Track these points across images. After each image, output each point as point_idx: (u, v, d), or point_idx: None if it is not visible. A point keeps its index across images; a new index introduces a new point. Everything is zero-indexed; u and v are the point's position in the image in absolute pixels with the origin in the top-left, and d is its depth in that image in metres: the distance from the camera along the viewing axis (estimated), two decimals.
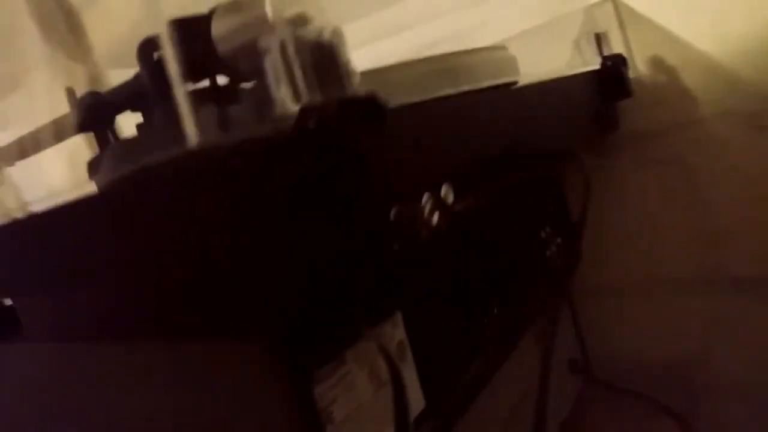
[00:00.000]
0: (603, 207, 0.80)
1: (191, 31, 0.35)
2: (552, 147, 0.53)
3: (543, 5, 0.80)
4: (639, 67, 0.73)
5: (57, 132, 0.44)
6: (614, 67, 0.64)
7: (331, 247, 0.25)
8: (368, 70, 0.53)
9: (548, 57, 0.77)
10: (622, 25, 0.74)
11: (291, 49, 0.23)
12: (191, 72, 0.34)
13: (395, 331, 0.40)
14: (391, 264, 0.30)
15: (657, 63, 0.72)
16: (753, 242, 0.71)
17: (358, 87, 0.26)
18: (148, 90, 0.37)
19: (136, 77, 0.38)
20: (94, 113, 0.39)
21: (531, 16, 0.80)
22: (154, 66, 0.36)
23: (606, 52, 0.66)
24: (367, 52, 0.98)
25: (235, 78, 0.31)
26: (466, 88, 0.46)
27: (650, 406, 0.76)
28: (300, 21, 0.30)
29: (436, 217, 0.28)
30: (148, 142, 0.35)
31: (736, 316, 0.74)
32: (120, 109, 0.40)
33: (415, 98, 0.48)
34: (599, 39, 0.65)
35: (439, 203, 0.31)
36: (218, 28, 0.32)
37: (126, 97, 0.39)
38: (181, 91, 0.33)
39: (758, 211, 0.70)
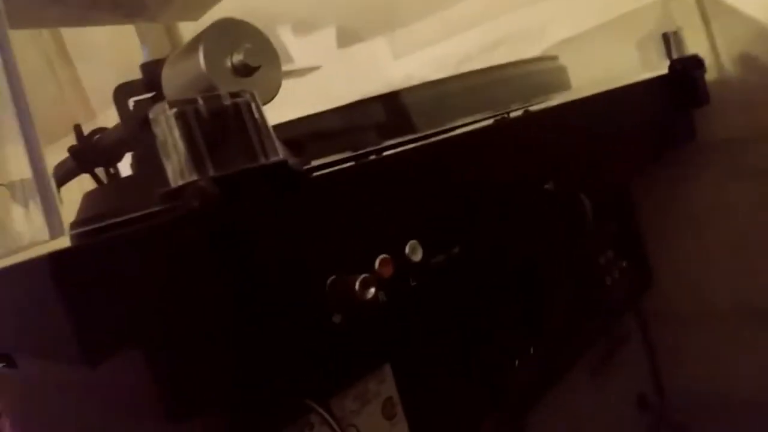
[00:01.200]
0: (684, 224, 0.71)
1: (155, 76, 0.34)
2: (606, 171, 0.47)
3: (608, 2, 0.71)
4: (726, 66, 0.63)
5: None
6: (685, 72, 0.56)
7: (252, 328, 0.23)
8: (390, 92, 0.50)
9: (614, 59, 0.68)
10: (705, 19, 0.65)
11: (173, 123, 0.21)
12: None
13: (381, 387, 0.37)
14: (337, 334, 0.27)
15: (746, 62, 0.62)
16: None
17: (275, 152, 0.23)
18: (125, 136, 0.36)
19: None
20: (86, 156, 0.40)
21: (603, 12, 0.73)
22: (128, 112, 0.35)
23: (677, 54, 0.57)
24: (427, 53, 0.94)
25: None
26: (488, 114, 0.42)
27: None
28: (238, 68, 0.28)
29: (371, 292, 0.25)
30: (115, 190, 0.34)
31: None
32: (110, 152, 0.40)
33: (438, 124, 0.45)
34: (668, 39, 0.57)
35: (386, 270, 0.28)
36: (166, 76, 0.31)
37: (114, 141, 0.39)
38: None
39: None
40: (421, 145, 0.31)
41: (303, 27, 0.62)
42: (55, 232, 0.21)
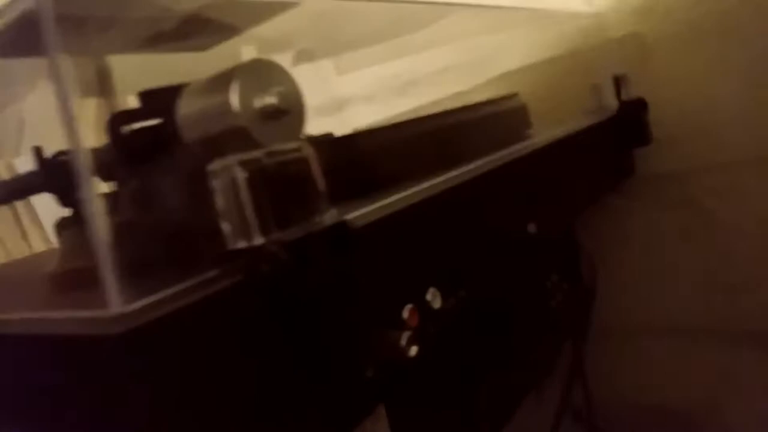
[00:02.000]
0: (617, 247, 0.76)
1: (159, 107, 0.32)
2: (567, 207, 0.50)
3: (562, 37, 0.75)
4: (661, 106, 0.69)
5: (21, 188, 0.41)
6: (633, 113, 0.60)
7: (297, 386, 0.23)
8: (346, 136, 0.51)
9: (562, 95, 0.72)
10: (645, 62, 0.70)
11: (243, 184, 0.20)
12: (155, 150, 0.31)
13: (376, 426, 0.37)
14: (366, 390, 0.27)
15: (680, 104, 0.68)
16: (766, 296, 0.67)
17: (326, 209, 0.23)
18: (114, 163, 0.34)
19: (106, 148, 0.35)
20: (58, 177, 0.37)
21: (548, 48, 0.76)
22: (121, 141, 0.33)
23: (625, 95, 0.62)
24: (372, 72, 0.95)
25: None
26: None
27: None
28: (267, 110, 0.27)
29: (414, 350, 0.25)
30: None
31: (749, 370, 0.70)
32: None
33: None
34: (618, 82, 0.61)
35: (420, 321, 0.28)
36: (184, 109, 0.29)
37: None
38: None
39: None
40: (438, 194, 0.32)
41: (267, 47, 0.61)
42: None
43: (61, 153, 0.40)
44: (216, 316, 0.20)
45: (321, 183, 0.23)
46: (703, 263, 0.71)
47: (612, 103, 0.63)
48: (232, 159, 0.21)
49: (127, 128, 0.33)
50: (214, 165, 0.21)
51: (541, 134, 0.52)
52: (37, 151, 0.39)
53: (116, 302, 0.19)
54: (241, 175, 0.20)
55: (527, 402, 0.67)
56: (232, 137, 0.27)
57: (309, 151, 0.23)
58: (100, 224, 0.20)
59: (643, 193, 0.72)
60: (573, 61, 0.73)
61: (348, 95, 0.96)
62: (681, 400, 0.76)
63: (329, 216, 0.23)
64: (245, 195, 0.20)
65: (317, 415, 0.24)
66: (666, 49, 0.68)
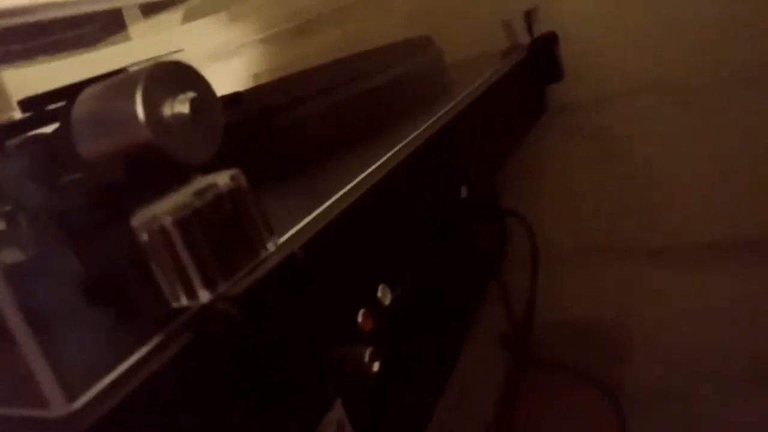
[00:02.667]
0: (527, 175, 0.78)
1: (48, 115, 0.27)
2: (493, 157, 0.49)
3: None
4: (567, 39, 0.69)
5: None
6: (546, 49, 0.60)
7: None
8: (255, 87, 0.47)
9: (473, 30, 0.71)
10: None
11: (176, 235, 0.18)
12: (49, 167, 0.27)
13: (332, 415, 0.37)
14: (324, 401, 0.26)
15: (585, 36, 0.68)
16: (672, 214, 0.72)
17: (268, 239, 0.21)
18: None
19: None
20: None
21: None
22: (7, 157, 0.29)
23: (537, 31, 0.61)
24: (269, 15, 0.88)
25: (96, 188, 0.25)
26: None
27: (579, 377, 0.79)
28: (177, 119, 0.24)
29: (376, 365, 0.24)
30: None
31: (653, 281, 0.76)
32: None
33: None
34: (529, 17, 0.60)
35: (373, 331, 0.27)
36: (79, 117, 0.25)
37: None
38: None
39: (678, 184, 0.71)
40: (371, 188, 0.30)
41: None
42: None
43: None
44: (170, 390, 0.18)
45: (259, 212, 0.21)
46: (615, 187, 0.74)
47: (523, 37, 0.63)
48: (158, 207, 0.18)
49: (11, 142, 0.28)
50: (138, 218, 0.18)
51: (459, 87, 0.51)
52: None
53: (58, 401, 0.16)
54: (171, 225, 0.18)
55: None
56: (138, 152, 0.24)
57: (242, 180, 0.20)
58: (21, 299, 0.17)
59: (555, 125, 0.73)
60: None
61: (244, 40, 0.90)
62: (593, 315, 0.81)
63: (273, 246, 0.21)
64: (181, 248, 0.18)
65: None
66: None
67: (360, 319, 0.27)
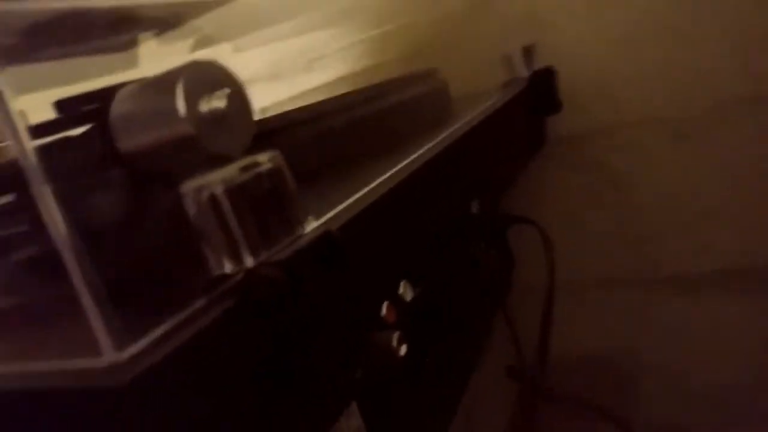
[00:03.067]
0: (531, 208, 0.79)
1: (82, 115, 0.29)
2: (497, 182, 0.51)
3: (463, 11, 0.76)
4: (564, 74, 0.72)
5: None
6: (545, 82, 0.63)
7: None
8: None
9: (473, 65, 0.74)
10: (545, 33, 0.73)
11: (225, 207, 0.19)
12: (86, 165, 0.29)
13: (350, 422, 0.37)
14: (354, 391, 0.26)
15: (580, 70, 0.71)
16: (676, 242, 0.74)
17: (305, 218, 0.22)
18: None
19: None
20: None
21: (451, 20, 0.77)
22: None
23: (535, 65, 0.64)
24: (274, 48, 0.91)
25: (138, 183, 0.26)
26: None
27: (589, 409, 0.78)
28: (214, 113, 0.25)
29: (403, 349, 0.25)
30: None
31: (662, 311, 0.77)
32: None
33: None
34: (528, 52, 0.63)
35: (397, 316, 0.28)
36: (118, 115, 0.27)
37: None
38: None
39: (679, 214, 0.72)
40: (397, 185, 0.31)
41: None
42: None
43: None
44: (212, 349, 0.18)
45: (296, 192, 0.22)
46: (613, 218, 0.76)
47: (522, 72, 0.65)
48: (208, 178, 0.19)
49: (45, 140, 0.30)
50: (188, 186, 0.19)
51: (465, 112, 0.53)
52: None
53: (109, 349, 0.17)
54: (222, 194, 0.19)
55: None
56: (178, 146, 0.25)
57: (281, 161, 0.22)
58: (80, 258, 0.18)
59: (554, 156, 0.75)
60: (478, 32, 0.74)
61: (249, 74, 0.92)
62: (602, 347, 0.82)
63: (309, 225, 0.22)
64: (230, 215, 0.19)
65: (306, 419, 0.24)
66: (563, 20, 0.71)
67: (384, 310, 0.28)
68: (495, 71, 0.71)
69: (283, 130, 0.45)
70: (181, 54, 0.75)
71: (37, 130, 0.30)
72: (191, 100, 0.25)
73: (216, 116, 0.26)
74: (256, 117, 0.31)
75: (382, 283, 0.28)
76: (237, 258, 0.19)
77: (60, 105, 0.30)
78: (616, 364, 0.81)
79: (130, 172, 0.27)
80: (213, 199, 0.19)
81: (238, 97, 0.27)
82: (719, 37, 0.64)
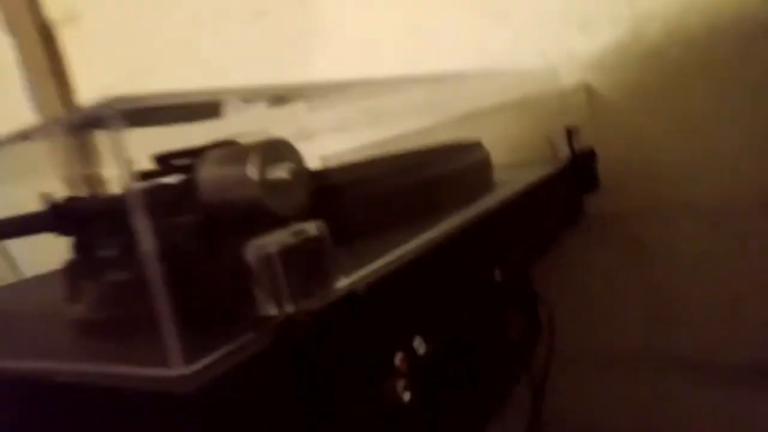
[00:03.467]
0: (564, 283, 0.83)
1: (178, 169, 0.35)
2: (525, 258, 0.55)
3: (516, 83, 0.82)
4: (607, 154, 0.76)
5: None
6: (585, 163, 0.67)
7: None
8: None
9: (517, 141, 0.79)
10: (593, 112, 0.77)
11: (276, 261, 0.24)
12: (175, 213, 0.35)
13: None
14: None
15: (624, 152, 0.75)
16: (704, 330, 0.75)
17: (338, 278, 0.27)
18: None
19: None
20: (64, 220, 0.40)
21: (501, 91, 0.83)
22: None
23: (577, 146, 0.68)
24: (343, 108, 0.99)
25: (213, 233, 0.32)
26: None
27: None
28: (279, 183, 0.31)
29: (407, 395, 0.29)
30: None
31: (680, 395, 0.78)
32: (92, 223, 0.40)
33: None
34: (570, 133, 0.68)
35: (409, 367, 0.33)
36: (205, 174, 0.33)
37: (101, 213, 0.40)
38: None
39: (710, 303, 0.74)
40: (421, 253, 0.36)
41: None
42: None
43: (71, 199, 0.43)
44: (255, 377, 0.24)
45: (333, 255, 0.28)
46: (643, 298, 0.78)
47: (564, 152, 0.70)
48: (268, 238, 0.25)
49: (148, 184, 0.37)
50: (252, 243, 0.25)
51: (504, 184, 0.58)
52: (46, 196, 0.41)
53: (179, 361, 0.22)
54: (275, 253, 0.24)
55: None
56: (247, 204, 0.31)
57: (324, 229, 0.27)
58: (159, 276, 0.23)
59: (590, 233, 0.79)
60: (527, 110, 0.80)
61: (318, 127, 1.01)
62: (620, 424, 0.82)
63: (340, 284, 0.28)
64: (279, 270, 0.24)
65: None
66: (613, 102, 0.76)
67: (397, 361, 0.33)
68: (539, 148, 0.76)
69: (338, 190, 0.51)
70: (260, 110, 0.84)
71: (142, 176, 0.37)
72: (262, 170, 0.32)
73: (281, 184, 0.32)
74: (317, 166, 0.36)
75: (396, 336, 0.33)
76: (280, 305, 0.25)
77: (159, 159, 0.37)
78: None
79: (212, 222, 0.34)
80: (268, 257, 0.25)
81: (300, 170, 0.33)
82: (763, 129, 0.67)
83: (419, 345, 0.35)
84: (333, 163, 1.01)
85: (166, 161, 0.37)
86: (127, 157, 0.28)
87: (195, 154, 0.35)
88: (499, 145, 0.78)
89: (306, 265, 0.26)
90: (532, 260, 0.59)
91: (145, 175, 0.37)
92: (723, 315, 0.74)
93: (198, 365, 0.22)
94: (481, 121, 0.85)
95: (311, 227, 0.27)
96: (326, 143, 1.01)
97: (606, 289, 0.81)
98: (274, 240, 0.25)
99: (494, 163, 0.65)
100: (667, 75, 0.72)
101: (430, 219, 0.46)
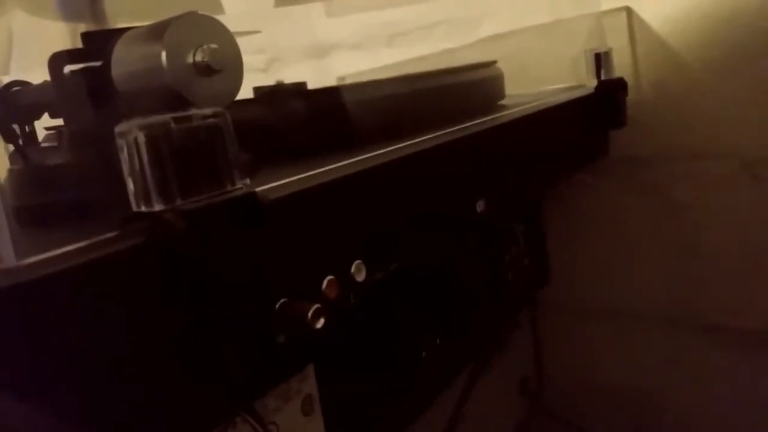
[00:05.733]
0: (583, 226, 0.76)
1: (100, 50, 0.31)
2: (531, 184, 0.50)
3: (553, 2, 0.73)
4: (642, 87, 0.68)
5: None
6: (611, 95, 0.59)
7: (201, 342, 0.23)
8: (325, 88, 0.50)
9: (545, 65, 0.71)
10: (632, 39, 0.69)
11: (143, 149, 0.20)
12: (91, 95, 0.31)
13: (302, 385, 0.38)
14: (279, 352, 0.27)
15: (661, 88, 0.67)
16: (728, 292, 0.68)
17: (239, 180, 0.23)
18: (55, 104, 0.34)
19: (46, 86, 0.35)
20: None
21: (538, 12, 0.74)
22: (62, 81, 0.32)
23: (606, 75, 0.61)
24: (361, 18, 0.92)
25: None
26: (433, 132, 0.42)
27: None
28: (198, 68, 0.27)
29: (320, 322, 0.25)
30: (47, 174, 0.32)
31: (699, 360, 0.72)
32: (31, 113, 0.37)
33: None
34: (599, 59, 0.60)
35: (337, 293, 0.28)
36: (118, 55, 0.29)
37: (37, 102, 0.36)
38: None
39: (739, 262, 0.67)
40: (368, 168, 0.31)
41: None
42: None
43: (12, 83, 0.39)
44: (109, 277, 0.20)
45: (234, 153, 0.23)
46: (667, 252, 0.71)
47: (590, 78, 0.62)
48: (135, 122, 0.20)
49: (67, 68, 0.32)
50: (121, 126, 0.21)
51: (511, 107, 0.51)
52: None
53: (9, 256, 0.19)
54: (142, 139, 0.20)
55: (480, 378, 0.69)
56: (161, 92, 0.27)
57: (224, 120, 0.23)
58: None
59: (613, 175, 0.71)
60: (560, 28, 0.71)
61: (334, 41, 0.94)
62: (629, 383, 0.78)
63: (242, 187, 0.23)
64: (145, 159, 0.20)
65: (222, 379, 0.25)
66: (655, 31, 0.67)
67: (324, 284, 0.28)
68: (567, 73, 0.69)
69: (335, 93, 0.46)
70: (264, 7, 0.78)
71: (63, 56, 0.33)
72: (176, 52, 0.27)
73: (200, 70, 0.27)
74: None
75: (331, 257, 0.29)
76: (148, 201, 0.20)
77: (85, 37, 0.33)
78: (638, 404, 0.77)
79: (120, 108, 0.29)
80: (136, 143, 0.20)
81: (228, 54, 0.28)
82: None
83: (358, 270, 0.31)
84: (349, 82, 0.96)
85: (92, 41, 0.33)
86: None
87: (121, 34, 0.31)
88: (526, 68, 0.71)
89: (190, 157, 0.21)
90: (535, 193, 0.53)
91: (71, 54, 0.33)
92: (747, 278, 0.67)
93: (31, 259, 0.19)
94: (508, 40, 0.77)
95: (209, 113, 0.22)
96: (343, 60, 0.95)
97: (626, 238, 0.74)
98: (148, 123, 0.20)
99: (517, 92, 0.58)
100: (718, 6, 0.62)
101: (418, 136, 0.41)
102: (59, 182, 0.30)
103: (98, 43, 0.32)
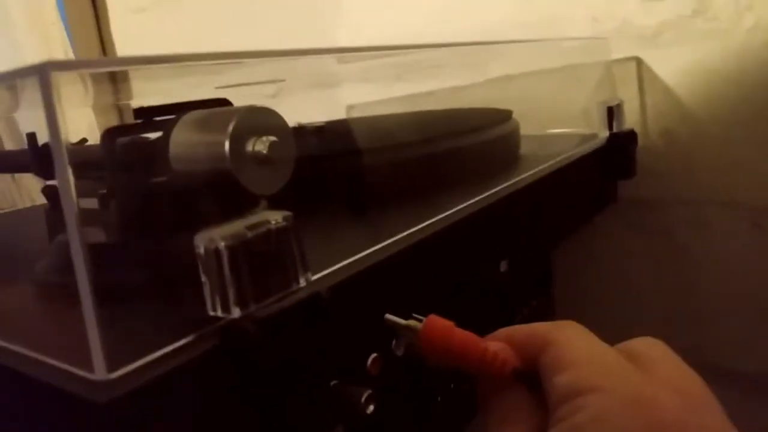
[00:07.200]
0: (589, 265, 0.78)
1: (155, 127, 0.32)
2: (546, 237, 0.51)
3: (564, 47, 0.75)
4: (650, 135, 0.70)
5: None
6: (623, 146, 0.61)
7: None
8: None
9: (554, 109, 0.73)
10: (641, 88, 0.71)
11: (225, 262, 0.21)
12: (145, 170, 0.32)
13: None
14: None
15: (668, 136, 0.69)
16: (729, 332, 0.70)
17: (302, 276, 0.24)
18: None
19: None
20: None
21: (548, 57, 0.76)
22: (113, 154, 0.34)
23: (617, 127, 0.63)
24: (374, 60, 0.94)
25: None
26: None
27: None
28: (257, 157, 0.28)
29: (371, 408, 0.27)
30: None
31: None
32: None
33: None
34: (611, 113, 0.62)
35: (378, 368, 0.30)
36: (178, 136, 0.30)
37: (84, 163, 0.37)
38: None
39: (738, 305, 0.69)
40: (412, 244, 0.33)
41: None
42: None
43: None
44: (191, 383, 0.21)
45: (299, 251, 0.24)
46: (669, 292, 0.73)
47: (602, 130, 0.64)
48: (216, 232, 0.22)
49: (120, 141, 0.34)
50: (200, 235, 0.22)
51: (528, 162, 0.53)
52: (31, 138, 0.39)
53: (101, 368, 0.20)
54: (224, 249, 0.21)
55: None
56: (217, 176, 0.28)
57: (291, 223, 0.24)
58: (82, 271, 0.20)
59: (620, 217, 0.73)
60: (571, 74, 0.73)
61: (343, 73, 0.96)
62: None
63: (304, 282, 0.24)
64: (227, 270, 0.21)
65: None
66: (664, 82, 0.69)
67: (369, 362, 0.30)
68: (576, 121, 0.71)
69: (352, 153, 0.47)
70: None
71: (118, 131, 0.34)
72: (238, 140, 0.28)
73: (257, 159, 0.29)
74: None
75: (373, 335, 0.30)
76: (226, 307, 0.22)
77: (138, 112, 0.34)
78: None
79: (181, 189, 0.30)
80: (216, 252, 0.21)
81: (284, 145, 0.30)
82: None
83: (398, 346, 0.32)
84: (358, 113, 0.97)
85: (147, 115, 0.34)
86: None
87: (179, 110, 0.32)
88: (535, 111, 0.73)
89: (263, 262, 0.23)
90: (550, 247, 0.54)
91: (122, 130, 0.34)
92: (752, 322, 0.69)
93: (120, 372, 0.20)
94: (518, 85, 0.79)
95: (275, 218, 0.24)
96: (352, 90, 0.96)
97: (631, 277, 0.76)
98: (228, 232, 0.22)
99: (526, 133, 0.60)
100: (729, 55, 0.65)
101: (440, 197, 0.42)
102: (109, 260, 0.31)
103: (151, 119, 0.33)
